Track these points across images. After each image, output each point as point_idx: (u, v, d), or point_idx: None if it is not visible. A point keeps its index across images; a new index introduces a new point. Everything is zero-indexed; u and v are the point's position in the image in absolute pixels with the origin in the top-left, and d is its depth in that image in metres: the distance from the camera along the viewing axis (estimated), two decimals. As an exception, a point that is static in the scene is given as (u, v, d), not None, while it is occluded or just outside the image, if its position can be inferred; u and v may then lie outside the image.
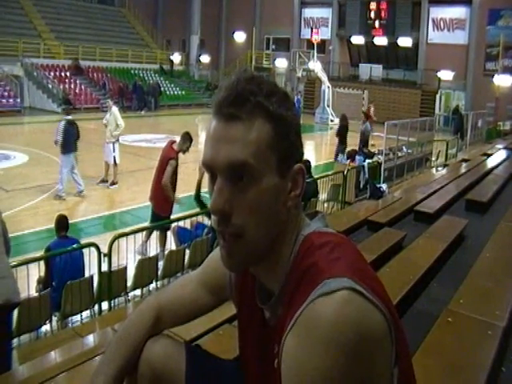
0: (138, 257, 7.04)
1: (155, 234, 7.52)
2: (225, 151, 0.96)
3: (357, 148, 14.33)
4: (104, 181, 12.65)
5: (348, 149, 14.70)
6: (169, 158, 7.60)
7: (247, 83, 0.99)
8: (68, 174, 11.45)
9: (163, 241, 7.67)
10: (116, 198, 11.92)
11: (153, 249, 7.17)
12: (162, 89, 32.95)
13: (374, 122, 17.48)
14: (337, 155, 15.60)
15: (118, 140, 12.77)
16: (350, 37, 35.43)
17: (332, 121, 29.39)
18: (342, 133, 15.91)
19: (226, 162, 0.96)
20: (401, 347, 0.94)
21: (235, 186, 0.97)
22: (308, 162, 10.11)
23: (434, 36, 32.03)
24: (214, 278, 1.33)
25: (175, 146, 7.71)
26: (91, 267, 6.03)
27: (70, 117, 11.82)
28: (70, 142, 11.44)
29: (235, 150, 0.95)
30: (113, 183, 12.59)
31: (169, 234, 7.34)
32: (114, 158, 12.54)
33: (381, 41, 33.95)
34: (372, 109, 18.77)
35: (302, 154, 1.05)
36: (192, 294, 1.36)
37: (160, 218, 7.72)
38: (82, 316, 5.80)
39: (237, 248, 1.00)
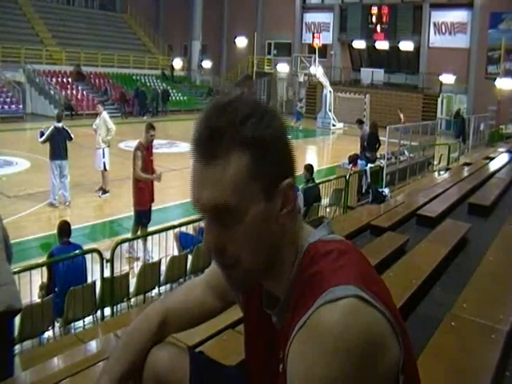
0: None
1: (157, 239, 7.52)
2: (205, 194, 0.95)
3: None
4: (102, 188, 12.38)
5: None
6: (134, 152, 8.36)
7: (218, 115, 0.95)
8: (55, 180, 11.26)
9: (136, 230, 8.49)
10: (118, 204, 11.89)
11: (155, 254, 7.17)
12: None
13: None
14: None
15: (108, 146, 12.40)
16: (352, 41, 35.48)
17: (334, 125, 29.42)
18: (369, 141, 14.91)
19: (208, 205, 0.96)
20: (407, 353, 0.93)
21: (222, 224, 0.97)
22: (311, 166, 10.11)
23: (436, 40, 32.07)
24: (221, 281, 1.32)
25: (142, 140, 8.42)
26: (93, 273, 6.03)
27: (60, 124, 11.42)
28: (54, 148, 11.21)
29: (215, 192, 0.94)
30: (104, 191, 12.27)
31: (171, 238, 7.33)
32: (104, 163, 12.21)
33: (382, 45, 33.99)
34: (401, 115, 19.07)
35: (292, 167, 1.01)
36: (199, 297, 1.36)
37: (140, 213, 8.49)
38: (84, 322, 5.80)
39: (236, 275, 1.02)
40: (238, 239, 0.97)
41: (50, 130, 11.23)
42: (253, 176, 0.95)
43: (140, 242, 7.87)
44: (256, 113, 0.96)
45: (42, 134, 11.30)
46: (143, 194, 8.35)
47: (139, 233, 8.33)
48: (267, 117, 0.98)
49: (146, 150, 8.33)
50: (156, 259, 6.91)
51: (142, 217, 8.54)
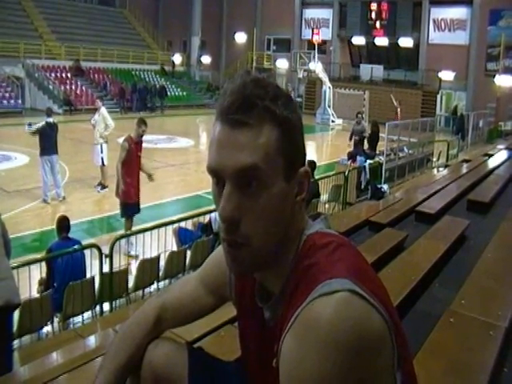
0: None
1: (156, 235, 7.52)
2: (234, 157, 0.94)
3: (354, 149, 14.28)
4: (101, 183, 12.32)
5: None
6: (121, 143, 8.33)
7: (254, 87, 0.96)
8: (46, 176, 11.12)
9: (129, 227, 8.39)
10: (117, 199, 11.83)
11: (154, 250, 7.16)
12: (164, 90, 33.03)
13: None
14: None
15: (106, 141, 12.31)
16: (351, 37, 35.45)
17: (333, 121, 29.42)
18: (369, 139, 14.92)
19: (235, 167, 0.94)
20: (402, 350, 0.93)
21: (244, 192, 0.95)
22: (313, 162, 10.11)
23: (435, 36, 32.04)
24: (215, 278, 1.32)
25: (132, 134, 8.32)
26: (92, 268, 6.03)
27: (51, 119, 11.27)
28: (46, 144, 11.06)
29: (245, 155, 0.94)
30: (103, 186, 12.18)
31: (169, 234, 7.33)
32: (102, 159, 12.16)
33: (382, 41, 33.96)
34: (399, 109, 19.00)
35: (305, 157, 1.04)
36: (192, 293, 1.36)
37: (126, 205, 8.44)
38: (83, 317, 5.80)
39: (244, 256, 0.99)
40: (256, 213, 0.96)
41: (42, 125, 11.09)
42: (279, 151, 0.96)
43: (138, 236, 7.86)
44: (283, 95, 1.00)
45: (29, 125, 11.35)
46: (128, 187, 8.34)
47: (133, 228, 8.31)
48: (292, 102, 1.02)
49: (134, 144, 8.29)
50: (148, 255, 6.89)
51: (128, 210, 8.58)
